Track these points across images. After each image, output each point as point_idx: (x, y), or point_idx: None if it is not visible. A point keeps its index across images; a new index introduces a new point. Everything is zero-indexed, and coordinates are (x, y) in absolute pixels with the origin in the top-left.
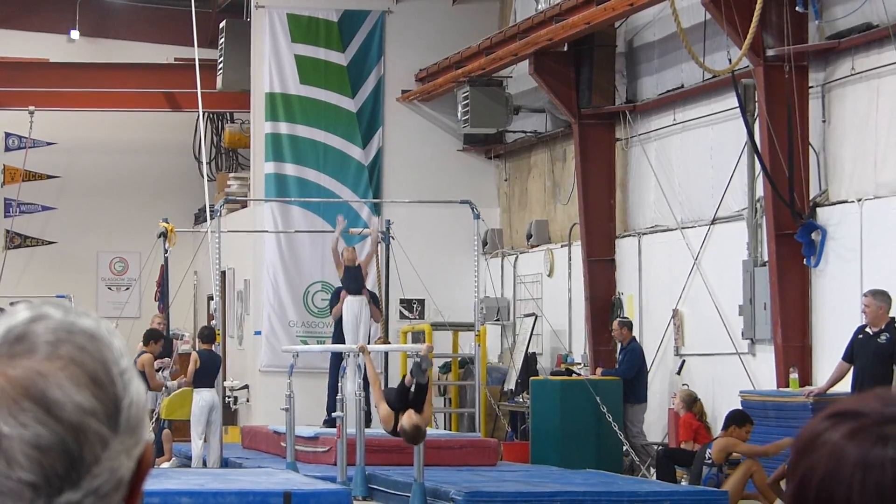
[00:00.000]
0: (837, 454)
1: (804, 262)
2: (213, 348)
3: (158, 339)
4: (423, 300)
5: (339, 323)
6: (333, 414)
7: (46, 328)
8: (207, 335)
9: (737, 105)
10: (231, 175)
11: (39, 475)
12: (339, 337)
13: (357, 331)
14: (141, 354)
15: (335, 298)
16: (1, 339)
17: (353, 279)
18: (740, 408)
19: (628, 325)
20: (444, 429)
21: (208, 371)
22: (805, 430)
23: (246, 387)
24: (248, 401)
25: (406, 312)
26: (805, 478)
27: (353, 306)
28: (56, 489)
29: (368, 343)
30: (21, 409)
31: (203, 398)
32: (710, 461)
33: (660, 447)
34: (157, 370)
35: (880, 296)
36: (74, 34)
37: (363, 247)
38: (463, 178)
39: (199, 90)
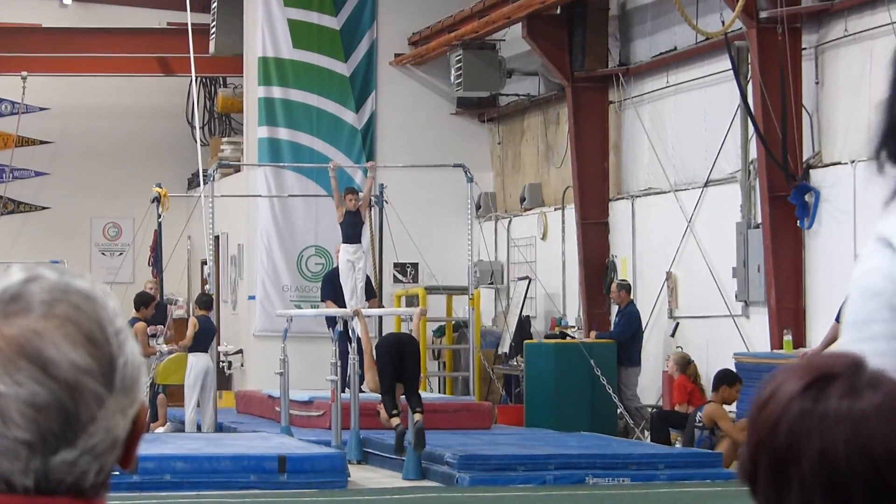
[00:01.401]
0: (806, 408)
1: (797, 224)
2: (210, 315)
3: (149, 304)
4: (417, 264)
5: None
6: (327, 377)
7: (41, 288)
8: (205, 302)
9: (730, 67)
10: (224, 140)
11: (35, 434)
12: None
13: (352, 278)
14: (135, 322)
15: (327, 287)
16: None
17: (352, 225)
18: (730, 367)
19: (627, 287)
20: (439, 392)
21: (205, 337)
22: (771, 384)
23: (240, 351)
24: (242, 365)
25: (400, 276)
26: (772, 429)
27: (349, 254)
28: (52, 448)
29: (364, 297)
30: (17, 367)
31: (199, 363)
32: (700, 424)
33: (654, 409)
34: (151, 336)
35: None
36: None
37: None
38: (456, 142)
39: (191, 55)
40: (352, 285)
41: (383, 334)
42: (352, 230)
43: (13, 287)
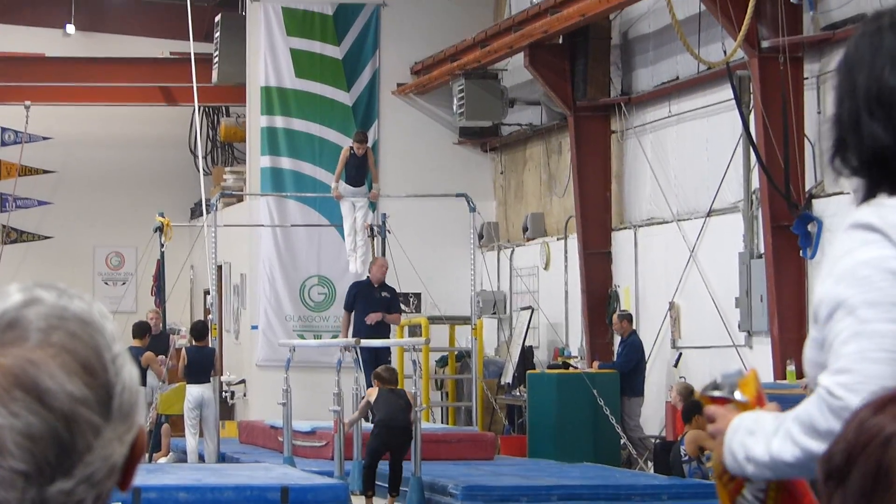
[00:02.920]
0: None
1: (800, 254)
2: (210, 343)
3: (148, 333)
4: (420, 294)
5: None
6: (329, 408)
7: (38, 314)
8: (199, 331)
9: (732, 97)
10: (227, 169)
11: (31, 464)
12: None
13: (352, 216)
14: (135, 351)
15: (348, 298)
16: None
17: (355, 167)
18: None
19: (628, 317)
20: (441, 422)
21: (199, 367)
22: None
23: (243, 381)
24: (244, 395)
25: (403, 306)
26: (886, 441)
27: (349, 193)
28: (48, 478)
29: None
30: (12, 398)
31: (192, 394)
32: (686, 458)
33: (657, 440)
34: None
35: None
36: (70, 28)
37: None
38: (459, 172)
39: (194, 84)
40: (351, 223)
41: (383, 409)
42: (355, 171)
43: (10, 312)
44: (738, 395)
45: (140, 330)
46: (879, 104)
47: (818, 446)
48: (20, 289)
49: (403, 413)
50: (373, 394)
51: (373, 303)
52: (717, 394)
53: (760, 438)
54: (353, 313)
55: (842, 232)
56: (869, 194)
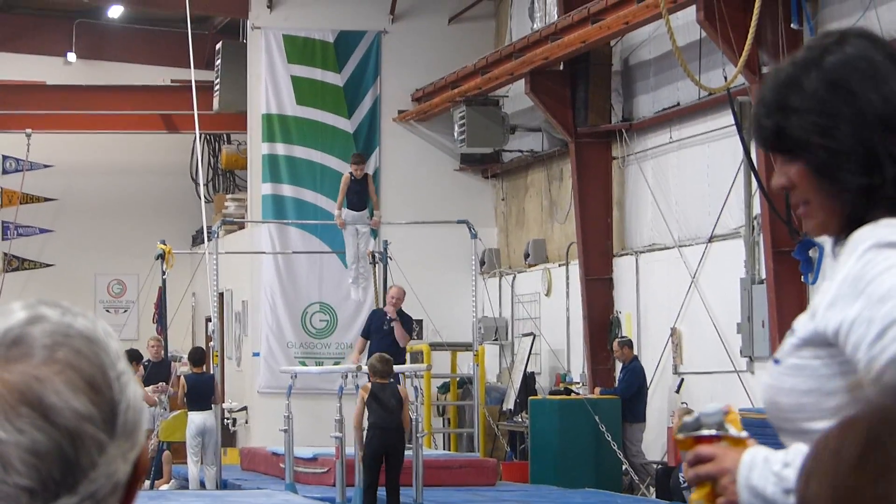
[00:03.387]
0: None
1: (802, 280)
2: (211, 369)
3: (139, 361)
4: (422, 320)
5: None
6: (331, 434)
7: (43, 331)
8: (197, 358)
9: (733, 122)
10: (228, 196)
11: (36, 480)
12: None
13: (355, 243)
14: None
15: (366, 324)
16: None
17: (356, 192)
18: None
19: (629, 344)
20: (443, 449)
21: (199, 394)
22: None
23: (244, 408)
24: (246, 422)
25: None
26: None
27: (352, 218)
28: (52, 494)
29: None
30: (18, 414)
31: (193, 421)
32: (685, 485)
33: (659, 466)
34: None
35: None
36: (71, 56)
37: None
38: (460, 198)
39: (195, 112)
40: (354, 251)
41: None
42: (356, 196)
43: (14, 329)
44: (733, 431)
45: (129, 357)
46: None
47: None
48: (24, 306)
49: (395, 413)
50: (366, 389)
51: (381, 332)
52: (707, 433)
53: None
54: (368, 340)
55: (858, 253)
56: (862, 216)
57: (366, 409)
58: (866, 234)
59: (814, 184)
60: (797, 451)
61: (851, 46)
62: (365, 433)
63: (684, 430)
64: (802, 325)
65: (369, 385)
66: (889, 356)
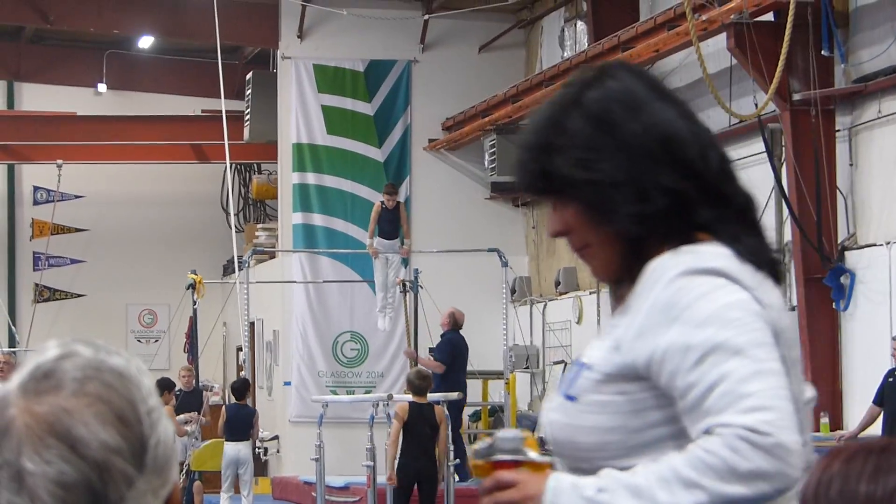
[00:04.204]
0: None
1: (833, 306)
2: (251, 402)
3: (172, 389)
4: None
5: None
6: (363, 463)
7: (75, 365)
8: (238, 390)
9: (764, 150)
10: (259, 226)
11: None
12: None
13: (384, 272)
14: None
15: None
16: (29, 375)
17: (388, 221)
18: None
19: None
20: (475, 477)
21: (236, 425)
22: None
23: (276, 437)
24: (278, 451)
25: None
26: None
27: (383, 247)
28: None
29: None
30: (45, 445)
31: (227, 453)
32: None
33: None
34: (185, 423)
35: None
36: (101, 87)
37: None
38: (491, 227)
39: (226, 142)
40: (382, 280)
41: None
42: (388, 225)
43: (47, 364)
44: (534, 456)
45: (161, 386)
46: (665, 152)
47: (739, 489)
48: (58, 344)
49: (430, 440)
50: (403, 410)
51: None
52: (506, 457)
53: (628, 496)
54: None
55: (665, 280)
56: (641, 250)
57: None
58: (670, 262)
59: (590, 223)
60: (612, 478)
61: (612, 80)
62: (397, 460)
63: (481, 455)
64: (603, 359)
65: (406, 406)
66: (708, 383)
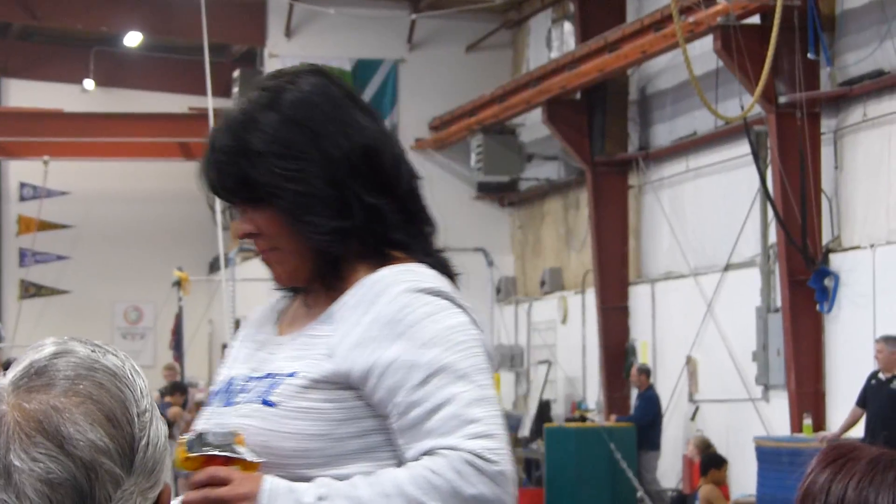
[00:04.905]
0: None
1: (817, 308)
2: None
3: (185, 392)
4: None
5: None
6: None
7: (68, 364)
8: None
9: (749, 152)
10: None
11: None
12: None
13: None
14: (168, 406)
15: None
16: (22, 371)
17: None
18: (713, 452)
19: (647, 371)
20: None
21: None
22: None
23: None
24: None
25: None
26: None
27: None
28: None
29: None
30: (34, 443)
31: None
32: None
33: (674, 493)
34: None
35: (892, 341)
36: (88, 84)
37: None
38: (476, 226)
39: None
40: None
41: None
42: None
43: (41, 361)
44: (248, 454)
45: (173, 388)
46: (365, 165)
47: None
48: (55, 342)
49: None
50: None
51: None
52: (222, 453)
53: None
54: None
55: (390, 296)
56: (336, 260)
57: None
58: (393, 278)
59: (285, 230)
60: (332, 487)
61: (307, 83)
62: None
63: (195, 447)
64: (311, 365)
65: None
66: (433, 404)
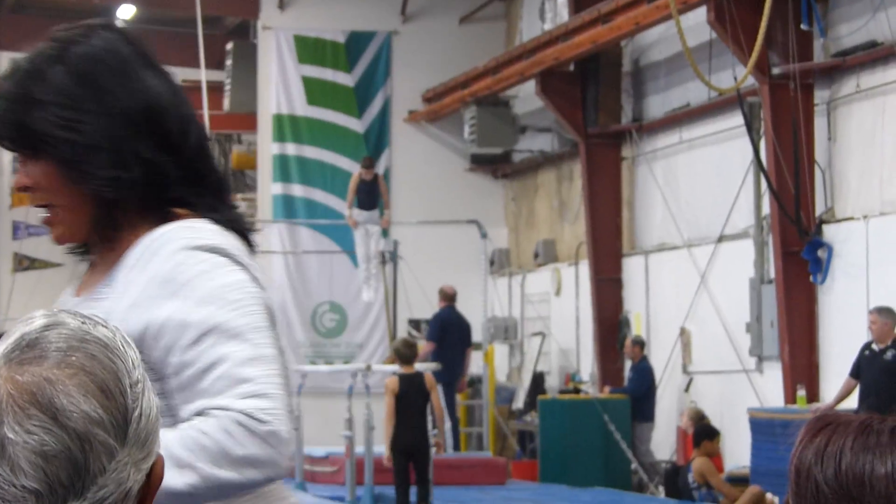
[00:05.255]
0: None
1: (810, 280)
2: None
3: None
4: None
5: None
6: (341, 433)
7: (59, 336)
8: None
9: (743, 123)
10: (239, 196)
11: (43, 483)
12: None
13: (366, 243)
14: None
15: (434, 328)
16: (14, 344)
17: (366, 192)
18: (706, 423)
19: (641, 343)
20: (453, 448)
21: None
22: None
23: None
24: None
25: (414, 332)
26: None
27: (362, 218)
28: (60, 498)
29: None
30: (27, 415)
31: None
32: (695, 485)
33: (668, 464)
34: None
35: (886, 313)
36: None
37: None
38: (470, 198)
39: (206, 112)
40: (365, 251)
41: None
42: (366, 196)
43: (32, 333)
44: None
45: None
46: (147, 121)
47: (230, 474)
48: (44, 314)
49: (421, 411)
50: (393, 383)
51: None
52: None
53: None
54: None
55: (165, 253)
56: (114, 217)
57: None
58: (169, 235)
59: (61, 183)
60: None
61: (98, 38)
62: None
63: None
64: None
65: (396, 379)
66: (206, 364)
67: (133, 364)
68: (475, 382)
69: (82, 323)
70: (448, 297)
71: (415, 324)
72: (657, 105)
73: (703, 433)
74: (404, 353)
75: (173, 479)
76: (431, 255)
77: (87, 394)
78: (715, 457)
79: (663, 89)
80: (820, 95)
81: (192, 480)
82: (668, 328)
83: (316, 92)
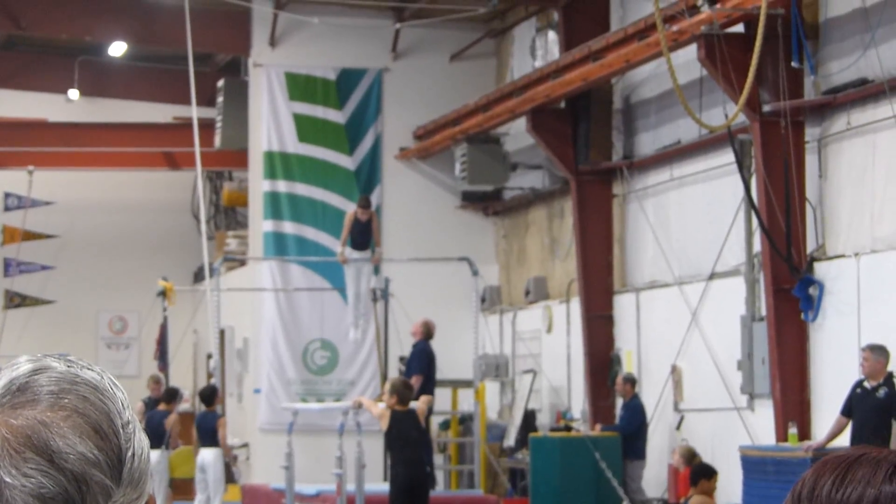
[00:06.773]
0: None
1: (802, 317)
2: (219, 409)
3: (176, 399)
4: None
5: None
6: (332, 471)
7: (49, 379)
8: (205, 396)
9: (733, 160)
10: (230, 233)
11: None
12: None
13: (356, 283)
14: (167, 415)
15: (421, 360)
16: (3, 389)
17: (360, 232)
18: (704, 461)
19: (632, 381)
20: (444, 486)
21: (202, 431)
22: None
23: (246, 445)
24: (248, 459)
25: (403, 368)
26: None
27: (355, 257)
28: None
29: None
30: (24, 458)
31: (197, 459)
32: None
33: (659, 502)
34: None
35: (878, 350)
36: (73, 94)
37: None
38: (461, 236)
39: (197, 149)
40: (355, 290)
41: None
42: (359, 235)
43: (20, 378)
44: None
45: (168, 395)
46: None
47: None
48: (29, 359)
49: (418, 446)
50: (385, 416)
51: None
52: None
53: None
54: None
55: None
56: None
57: (386, 442)
58: None
59: None
60: None
61: None
62: (389, 470)
63: None
64: None
65: (387, 414)
66: None
67: (123, 405)
68: (466, 420)
69: (69, 366)
70: (431, 333)
71: (405, 361)
72: (648, 142)
73: (701, 472)
74: (405, 395)
75: None
76: (422, 292)
77: (83, 435)
78: (710, 495)
79: (654, 126)
80: (811, 133)
81: None
82: (659, 365)
83: (307, 129)
